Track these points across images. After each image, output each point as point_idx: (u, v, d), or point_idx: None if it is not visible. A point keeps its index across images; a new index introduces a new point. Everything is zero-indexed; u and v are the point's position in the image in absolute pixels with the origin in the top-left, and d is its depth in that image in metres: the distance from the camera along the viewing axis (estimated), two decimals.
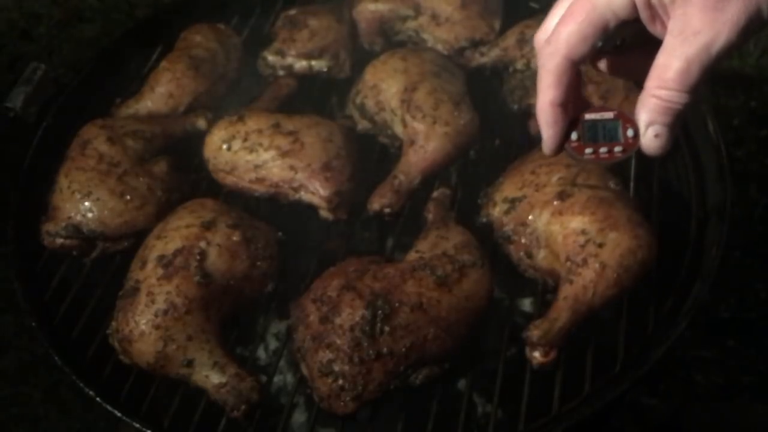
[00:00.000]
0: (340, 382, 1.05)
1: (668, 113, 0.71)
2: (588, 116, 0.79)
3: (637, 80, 0.76)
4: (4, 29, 2.60)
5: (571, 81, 0.76)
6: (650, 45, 0.73)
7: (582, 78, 0.78)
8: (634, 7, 0.71)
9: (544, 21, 0.78)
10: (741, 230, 2.10)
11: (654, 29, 0.72)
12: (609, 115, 0.79)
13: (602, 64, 0.80)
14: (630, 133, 0.77)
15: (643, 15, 0.71)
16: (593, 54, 0.75)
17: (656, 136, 0.73)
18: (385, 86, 1.38)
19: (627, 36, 0.79)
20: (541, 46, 0.77)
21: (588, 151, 0.79)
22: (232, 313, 1.18)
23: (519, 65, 1.45)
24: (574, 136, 0.79)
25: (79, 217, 1.27)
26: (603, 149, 0.78)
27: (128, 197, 1.28)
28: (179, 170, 1.37)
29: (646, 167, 1.34)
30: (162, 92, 1.45)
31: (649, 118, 0.72)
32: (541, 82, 0.77)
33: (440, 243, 1.17)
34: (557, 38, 0.74)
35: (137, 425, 1.08)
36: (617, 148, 0.78)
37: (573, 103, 0.78)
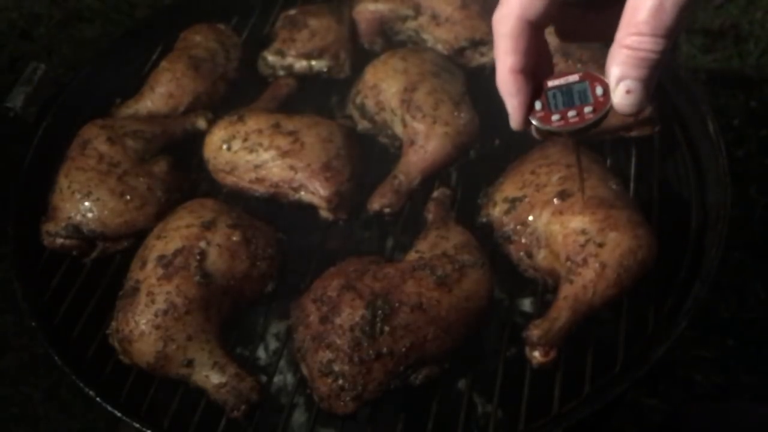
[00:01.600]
0: (340, 382, 1.05)
1: (641, 65, 0.63)
2: (551, 83, 0.72)
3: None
4: (4, 29, 2.60)
5: (530, 45, 0.68)
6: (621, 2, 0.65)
7: (549, 45, 0.72)
8: None
9: None
10: (741, 230, 2.10)
11: None
12: (574, 77, 0.72)
13: (569, 30, 0.73)
14: (599, 91, 0.70)
15: None
16: (553, 12, 0.68)
17: (628, 92, 0.65)
18: (385, 86, 1.38)
19: None
20: (495, 12, 0.69)
21: (555, 118, 0.72)
22: (232, 313, 1.18)
23: None
24: (538, 105, 0.72)
25: (79, 217, 1.27)
26: (572, 113, 0.71)
27: (128, 197, 1.28)
28: (179, 170, 1.37)
29: (646, 167, 1.34)
30: (162, 92, 1.45)
31: (620, 72, 0.64)
32: (497, 49, 0.69)
33: (440, 243, 1.17)
34: None
35: (137, 425, 1.08)
36: (587, 110, 0.71)
37: (540, 70, 0.71)
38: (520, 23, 0.67)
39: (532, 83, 0.71)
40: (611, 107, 0.69)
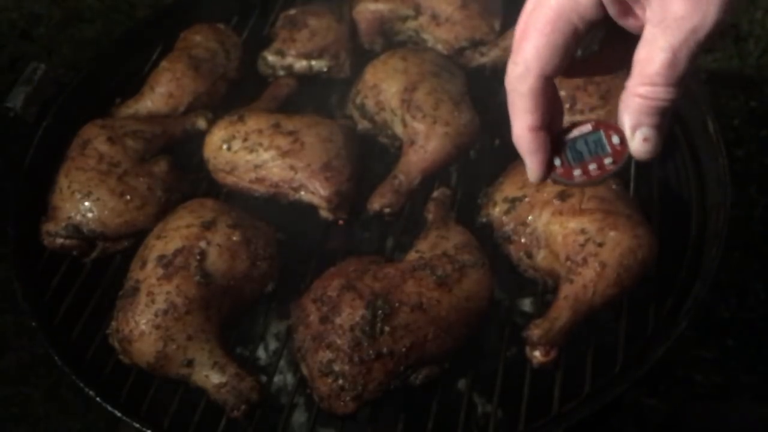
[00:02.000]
0: (340, 382, 1.05)
1: (655, 112, 0.63)
2: (567, 137, 0.72)
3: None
4: (4, 29, 2.60)
5: (548, 100, 0.68)
6: (628, 39, 0.65)
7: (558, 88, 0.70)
8: (601, 4, 0.63)
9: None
10: (741, 230, 2.10)
11: (626, 23, 0.65)
12: (587, 128, 0.71)
13: (576, 71, 0.72)
14: (615, 140, 0.70)
15: (612, 10, 0.64)
16: (569, 65, 0.67)
17: (645, 140, 0.65)
18: (385, 86, 1.38)
19: (600, 36, 0.72)
20: (509, 70, 0.68)
21: (577, 173, 0.71)
22: (232, 313, 1.18)
23: None
24: (557, 162, 0.71)
25: (79, 217, 1.27)
26: (592, 166, 0.71)
27: (128, 197, 1.28)
28: (179, 170, 1.37)
29: (646, 167, 1.34)
30: (162, 92, 1.45)
31: (635, 121, 0.64)
32: (515, 107, 0.68)
33: (440, 243, 1.17)
34: (525, 56, 0.66)
35: (137, 425, 1.09)
36: (607, 161, 0.71)
37: (554, 120, 0.70)
38: (540, 81, 0.66)
39: (551, 136, 0.70)
40: (630, 155, 0.68)
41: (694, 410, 1.50)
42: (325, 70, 1.52)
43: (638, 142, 0.65)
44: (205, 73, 1.47)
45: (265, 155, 1.29)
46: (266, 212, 1.31)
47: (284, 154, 1.29)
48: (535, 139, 0.69)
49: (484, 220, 1.27)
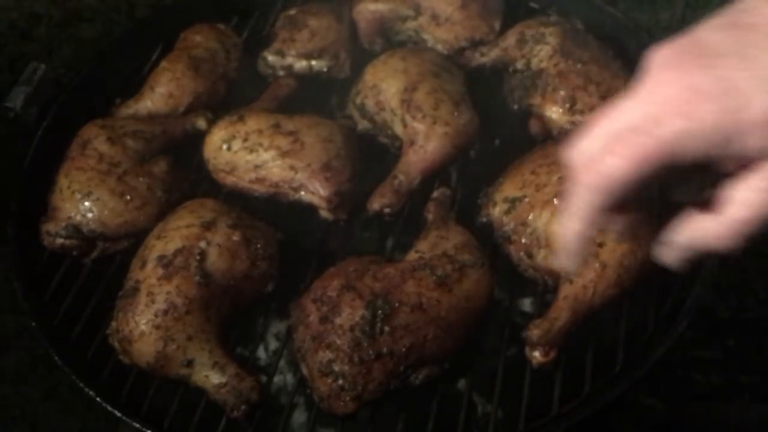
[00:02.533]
0: (340, 382, 1.05)
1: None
2: None
3: None
4: (4, 29, 2.60)
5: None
6: None
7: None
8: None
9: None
10: None
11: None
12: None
13: None
14: None
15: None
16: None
17: None
18: (385, 86, 1.38)
19: None
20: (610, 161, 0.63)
21: None
22: (232, 313, 1.18)
23: (519, 65, 1.45)
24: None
25: (79, 217, 1.27)
26: None
27: (128, 197, 1.28)
28: (179, 170, 1.37)
29: None
30: (162, 92, 1.45)
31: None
32: (587, 204, 0.66)
33: (440, 243, 1.17)
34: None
35: (137, 425, 1.09)
36: None
37: None
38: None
39: None
40: None
41: (694, 410, 1.50)
42: (325, 70, 1.52)
43: None
44: (205, 73, 1.47)
45: (265, 155, 1.29)
46: (266, 212, 1.32)
47: (284, 154, 1.29)
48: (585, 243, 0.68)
49: (484, 220, 1.27)
